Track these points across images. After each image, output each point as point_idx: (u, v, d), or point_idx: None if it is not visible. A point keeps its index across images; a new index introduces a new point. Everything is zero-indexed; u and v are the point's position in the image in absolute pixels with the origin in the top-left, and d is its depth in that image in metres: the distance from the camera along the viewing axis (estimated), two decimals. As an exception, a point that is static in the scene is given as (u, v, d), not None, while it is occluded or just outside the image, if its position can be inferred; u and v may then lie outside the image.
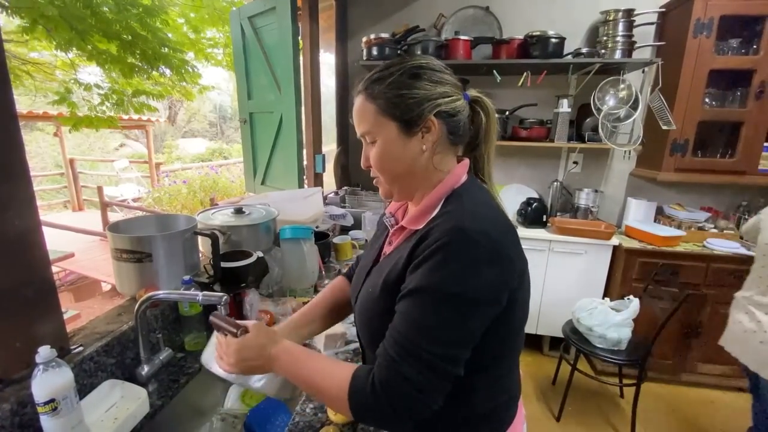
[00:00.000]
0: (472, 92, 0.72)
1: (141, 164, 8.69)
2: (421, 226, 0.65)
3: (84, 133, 3.94)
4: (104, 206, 5.84)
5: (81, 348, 0.86)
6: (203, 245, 1.35)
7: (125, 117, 5.45)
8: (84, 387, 0.84)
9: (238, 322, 0.71)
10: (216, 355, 0.74)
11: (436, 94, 0.65)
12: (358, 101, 0.68)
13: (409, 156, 0.66)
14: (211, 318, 0.74)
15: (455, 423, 0.70)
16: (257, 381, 0.74)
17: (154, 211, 6.05)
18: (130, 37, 3.00)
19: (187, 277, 1.06)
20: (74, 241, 4.93)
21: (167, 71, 3.53)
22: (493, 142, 0.74)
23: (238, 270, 1.19)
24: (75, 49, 2.84)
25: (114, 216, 6.24)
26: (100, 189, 5.85)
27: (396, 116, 0.64)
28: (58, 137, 7.39)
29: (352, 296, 0.82)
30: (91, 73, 4.13)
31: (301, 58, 2.30)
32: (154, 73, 3.46)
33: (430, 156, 0.67)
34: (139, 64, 3.24)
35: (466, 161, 0.72)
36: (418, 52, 2.29)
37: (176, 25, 4.09)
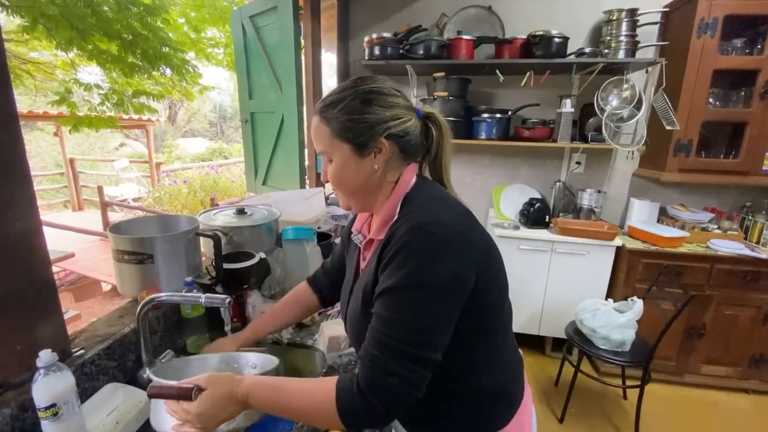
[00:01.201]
0: (426, 109, 0.76)
1: (141, 164, 8.68)
2: (383, 235, 0.69)
3: (84, 132, 3.94)
4: (104, 206, 5.84)
5: (82, 351, 0.85)
6: (204, 246, 1.34)
7: (125, 117, 5.45)
8: (85, 390, 0.83)
9: (183, 383, 0.64)
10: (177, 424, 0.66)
11: (387, 118, 0.69)
12: (315, 122, 0.72)
13: (362, 175, 0.71)
14: (149, 391, 0.64)
15: (466, 405, 0.73)
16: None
17: (155, 210, 6.04)
18: (130, 37, 2.99)
19: (189, 279, 1.05)
20: (74, 241, 4.92)
21: (168, 71, 3.52)
22: (449, 154, 0.79)
23: (240, 271, 1.18)
24: (75, 48, 2.82)
25: (114, 216, 6.24)
26: (100, 189, 5.84)
27: (348, 139, 0.69)
28: (58, 137, 7.38)
29: (341, 313, 0.87)
30: (91, 72, 4.12)
31: (303, 57, 2.29)
32: (154, 73, 3.45)
33: (383, 173, 0.72)
34: (140, 63, 3.22)
35: (413, 165, 0.76)
36: (421, 52, 2.27)
37: (177, 24, 4.08)
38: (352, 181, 0.72)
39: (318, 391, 0.63)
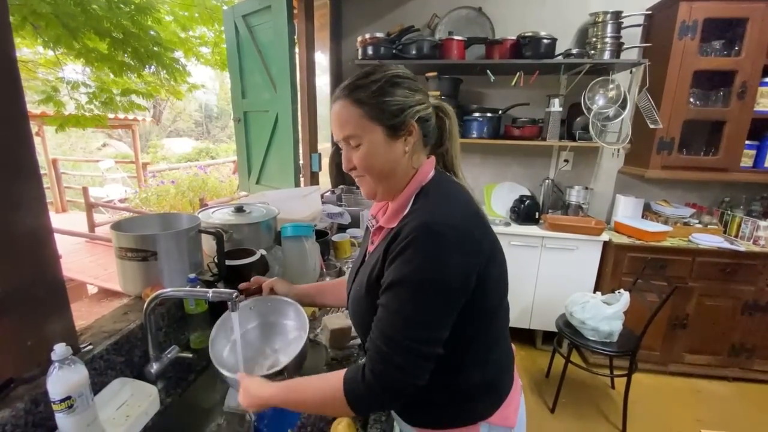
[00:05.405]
0: (431, 99, 0.78)
1: (126, 164, 8.52)
2: (394, 225, 0.71)
3: (66, 132, 3.85)
4: (90, 207, 5.71)
5: (90, 347, 0.86)
6: (204, 244, 1.35)
7: (111, 116, 5.35)
8: (94, 385, 0.83)
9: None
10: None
11: (414, 101, 0.71)
12: (340, 106, 0.71)
13: (394, 158, 0.72)
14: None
15: (455, 395, 0.76)
16: None
17: (142, 211, 5.94)
18: (121, 35, 2.94)
19: (192, 276, 1.06)
20: (59, 243, 4.78)
21: (157, 69, 3.48)
22: (457, 141, 0.82)
23: (242, 268, 1.20)
24: (62, 47, 2.77)
25: (99, 217, 6.11)
26: (85, 190, 5.72)
27: (382, 121, 0.69)
28: (39, 137, 7.19)
29: (347, 295, 0.88)
30: (74, 70, 4.04)
31: (296, 56, 2.30)
32: (144, 72, 3.40)
33: (410, 156, 0.74)
34: (130, 62, 3.18)
35: (433, 159, 0.78)
36: (413, 52, 2.31)
37: (165, 23, 4.03)
38: (383, 165, 0.72)
39: (326, 385, 0.69)
